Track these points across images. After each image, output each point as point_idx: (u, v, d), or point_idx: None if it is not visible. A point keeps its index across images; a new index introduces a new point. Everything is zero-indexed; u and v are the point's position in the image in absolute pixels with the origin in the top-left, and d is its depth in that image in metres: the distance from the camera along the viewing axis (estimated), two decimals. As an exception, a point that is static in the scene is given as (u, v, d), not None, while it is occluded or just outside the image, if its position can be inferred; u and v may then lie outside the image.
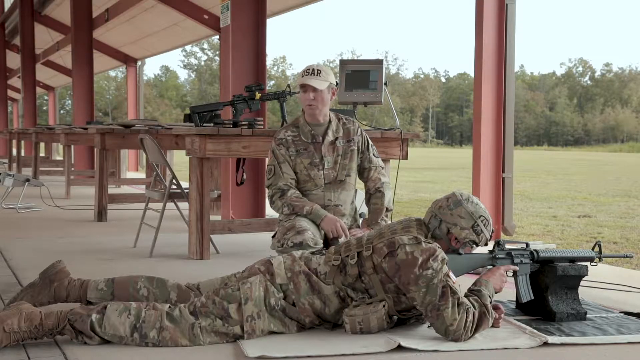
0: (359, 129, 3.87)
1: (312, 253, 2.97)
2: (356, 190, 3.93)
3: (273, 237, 3.65)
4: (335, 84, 3.74)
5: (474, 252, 2.96)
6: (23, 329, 2.52)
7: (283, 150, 3.74)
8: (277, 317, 2.73)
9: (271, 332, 2.73)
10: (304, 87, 3.68)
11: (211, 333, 2.63)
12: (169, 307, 2.66)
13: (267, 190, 3.79)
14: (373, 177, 3.84)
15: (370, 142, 3.90)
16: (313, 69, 3.67)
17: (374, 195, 3.82)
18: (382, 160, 3.99)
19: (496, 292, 2.87)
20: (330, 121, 3.79)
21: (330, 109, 3.87)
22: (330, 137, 3.76)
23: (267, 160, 3.94)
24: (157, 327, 2.58)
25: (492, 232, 2.95)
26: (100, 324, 2.55)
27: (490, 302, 2.78)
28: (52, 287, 2.93)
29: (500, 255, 3.01)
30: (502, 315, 2.89)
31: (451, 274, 2.72)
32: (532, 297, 3.05)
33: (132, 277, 2.98)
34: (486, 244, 2.96)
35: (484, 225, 2.88)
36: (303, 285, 2.77)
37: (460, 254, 2.90)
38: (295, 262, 2.83)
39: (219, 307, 2.67)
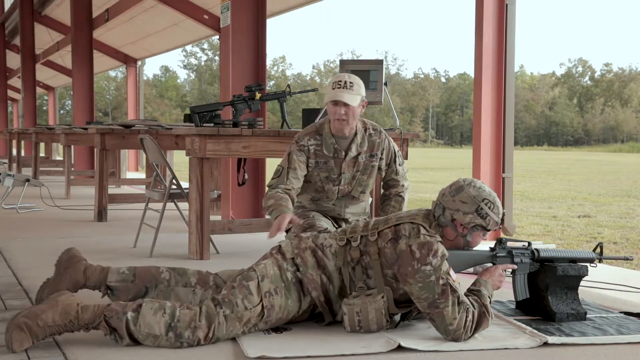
0: (386, 140, 3.74)
1: (319, 232, 3.00)
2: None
3: (287, 231, 3.56)
4: (364, 95, 3.57)
5: (474, 249, 2.96)
6: (58, 322, 2.51)
7: (303, 157, 3.60)
8: (294, 290, 2.78)
9: (287, 321, 2.78)
10: (335, 101, 3.48)
11: (235, 322, 2.64)
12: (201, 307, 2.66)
13: (267, 188, 3.64)
14: (397, 185, 3.82)
15: (396, 150, 3.80)
16: (345, 81, 3.46)
17: (393, 198, 3.81)
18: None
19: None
20: (356, 133, 3.64)
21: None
22: (353, 152, 3.64)
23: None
24: (192, 327, 2.58)
25: (503, 214, 2.89)
26: (135, 322, 2.54)
27: (490, 303, 2.78)
28: (67, 273, 2.93)
29: (500, 254, 3.01)
30: (504, 281, 2.90)
31: (452, 272, 2.72)
32: (528, 296, 3.05)
33: (153, 266, 3.03)
34: (499, 228, 2.93)
35: (489, 208, 2.82)
36: (309, 259, 2.84)
37: (469, 240, 2.88)
38: (302, 241, 2.92)
39: (239, 287, 2.70)
